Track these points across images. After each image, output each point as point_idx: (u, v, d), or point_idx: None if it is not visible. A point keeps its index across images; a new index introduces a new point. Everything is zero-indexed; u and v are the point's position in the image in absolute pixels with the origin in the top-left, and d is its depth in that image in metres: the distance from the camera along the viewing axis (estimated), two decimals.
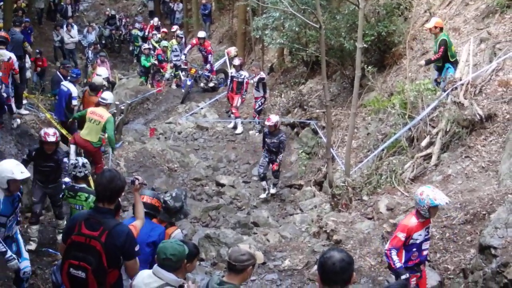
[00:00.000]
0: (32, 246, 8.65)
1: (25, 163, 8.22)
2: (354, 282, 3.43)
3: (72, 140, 11.34)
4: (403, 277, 6.37)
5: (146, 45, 22.47)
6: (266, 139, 12.38)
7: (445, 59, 11.21)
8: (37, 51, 19.26)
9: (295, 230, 10.55)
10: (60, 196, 8.47)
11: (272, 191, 12.65)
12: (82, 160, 8.18)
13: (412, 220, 6.47)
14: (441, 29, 11.31)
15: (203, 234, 9.87)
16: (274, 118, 12.27)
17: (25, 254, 6.88)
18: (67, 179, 8.73)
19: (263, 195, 12.57)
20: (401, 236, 6.42)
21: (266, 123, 12.38)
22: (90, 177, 9.27)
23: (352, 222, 9.81)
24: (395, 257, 6.41)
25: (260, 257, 8.81)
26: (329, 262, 3.45)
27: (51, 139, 8.67)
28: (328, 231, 9.59)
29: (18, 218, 7.03)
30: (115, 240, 4.76)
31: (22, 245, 6.96)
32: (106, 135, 11.26)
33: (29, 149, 9.18)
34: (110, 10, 30.23)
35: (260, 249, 9.25)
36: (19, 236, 7.02)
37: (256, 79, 15.51)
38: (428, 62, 11.71)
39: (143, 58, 21.92)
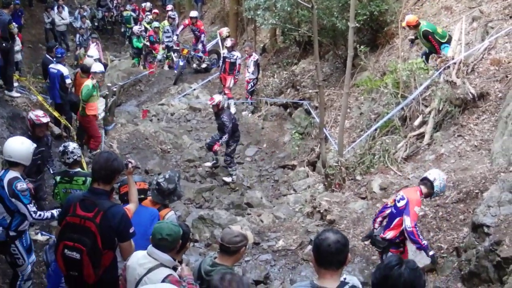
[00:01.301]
0: None
1: None
2: (349, 262, 3.44)
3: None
4: (431, 253, 6.66)
5: (138, 27, 22.23)
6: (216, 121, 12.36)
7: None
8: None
9: (289, 210, 10.58)
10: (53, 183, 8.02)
11: (227, 179, 12.32)
12: (71, 145, 7.59)
13: (418, 194, 6.69)
14: (417, 25, 11.51)
15: (196, 216, 9.88)
16: (216, 98, 12.05)
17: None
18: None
19: (208, 164, 12.62)
20: (418, 210, 6.64)
21: (208, 102, 12.22)
22: (83, 160, 9.14)
23: (345, 202, 9.85)
24: (420, 235, 6.62)
25: (250, 236, 8.83)
26: (325, 244, 3.45)
27: (44, 120, 8.36)
28: (321, 211, 9.63)
29: None
30: (110, 221, 4.76)
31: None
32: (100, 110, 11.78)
33: None
34: None
35: (254, 230, 9.27)
36: None
37: (251, 65, 15.47)
38: (413, 41, 12.41)
39: (135, 39, 21.68)
